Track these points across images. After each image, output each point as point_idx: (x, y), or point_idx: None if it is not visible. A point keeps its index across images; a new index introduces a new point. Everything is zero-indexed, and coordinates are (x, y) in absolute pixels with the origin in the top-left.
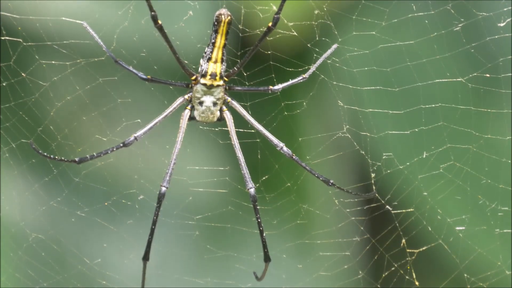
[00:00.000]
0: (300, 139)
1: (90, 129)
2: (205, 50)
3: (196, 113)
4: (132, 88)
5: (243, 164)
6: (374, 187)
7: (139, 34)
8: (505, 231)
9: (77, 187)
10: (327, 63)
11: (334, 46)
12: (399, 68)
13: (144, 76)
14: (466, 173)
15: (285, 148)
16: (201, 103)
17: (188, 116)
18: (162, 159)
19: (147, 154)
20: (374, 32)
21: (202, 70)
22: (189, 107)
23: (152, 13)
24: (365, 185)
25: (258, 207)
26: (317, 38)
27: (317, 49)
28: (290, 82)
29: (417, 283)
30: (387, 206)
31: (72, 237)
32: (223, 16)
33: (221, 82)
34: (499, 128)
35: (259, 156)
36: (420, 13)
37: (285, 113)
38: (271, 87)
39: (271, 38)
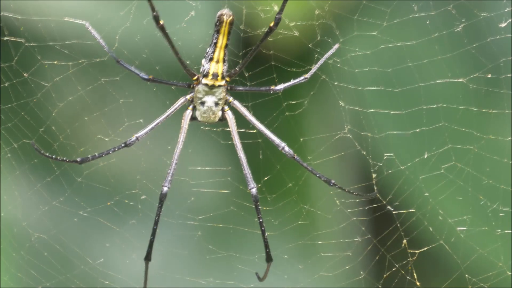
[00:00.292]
0: (301, 139)
1: (92, 130)
2: (207, 50)
3: (197, 113)
4: (134, 88)
5: (245, 165)
6: (375, 188)
7: (141, 35)
8: (506, 231)
9: (80, 187)
10: (329, 64)
11: (336, 46)
12: (400, 69)
13: (145, 76)
14: (467, 173)
15: (286, 148)
16: (202, 103)
17: (189, 116)
18: (164, 159)
19: (149, 154)
20: (375, 33)
21: (204, 70)
22: (190, 107)
23: (154, 13)
24: (367, 186)
25: (260, 208)
26: (319, 39)
27: (318, 50)
28: (292, 82)
29: (418, 283)
30: (388, 207)
31: (75, 237)
32: (225, 16)
33: (222, 82)
34: (500, 128)
35: (260, 157)
36: (421, 14)
37: (287, 113)
38: (272, 87)
39: (273, 39)
